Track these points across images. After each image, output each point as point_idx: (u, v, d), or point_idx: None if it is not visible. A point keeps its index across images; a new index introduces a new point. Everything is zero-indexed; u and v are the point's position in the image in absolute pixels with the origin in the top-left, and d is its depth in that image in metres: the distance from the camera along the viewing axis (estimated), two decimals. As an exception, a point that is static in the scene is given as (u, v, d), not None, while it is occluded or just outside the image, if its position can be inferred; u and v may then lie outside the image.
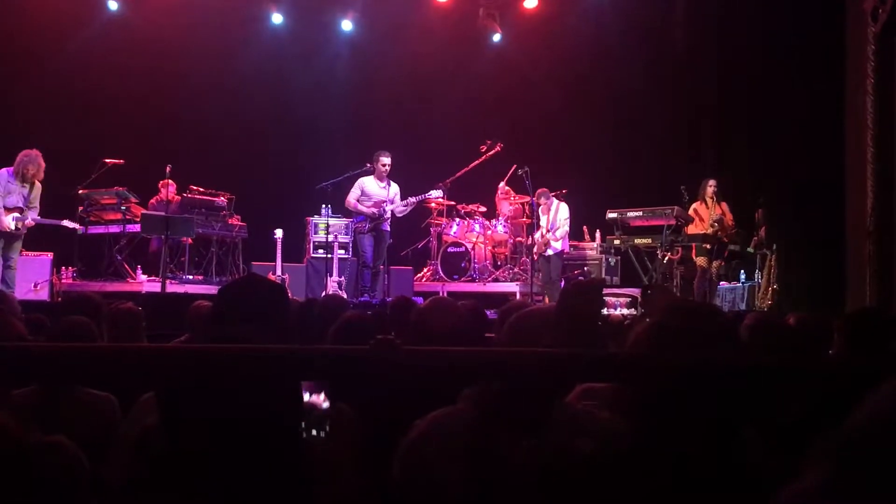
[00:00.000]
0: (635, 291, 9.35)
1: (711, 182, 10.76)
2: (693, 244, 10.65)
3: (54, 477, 1.93)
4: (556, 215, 11.27)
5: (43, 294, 10.32)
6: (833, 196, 10.79)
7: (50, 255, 10.65)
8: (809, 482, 1.08)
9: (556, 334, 2.28)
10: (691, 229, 10.65)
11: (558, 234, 11.25)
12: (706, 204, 10.71)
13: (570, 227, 11.55)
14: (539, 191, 11.22)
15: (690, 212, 10.70)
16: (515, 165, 11.21)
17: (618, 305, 8.61)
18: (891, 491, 1.01)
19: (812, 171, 11.27)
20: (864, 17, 9.64)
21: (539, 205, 11.26)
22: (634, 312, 7.79)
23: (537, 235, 11.33)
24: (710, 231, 10.55)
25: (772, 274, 11.13)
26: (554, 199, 11.37)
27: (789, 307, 9.66)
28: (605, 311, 8.00)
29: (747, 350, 3.10)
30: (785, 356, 2.96)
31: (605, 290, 9.17)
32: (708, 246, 10.53)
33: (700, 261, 10.63)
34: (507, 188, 12.37)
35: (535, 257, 11.33)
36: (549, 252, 11.23)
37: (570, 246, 12.18)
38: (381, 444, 2.07)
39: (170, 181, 11.14)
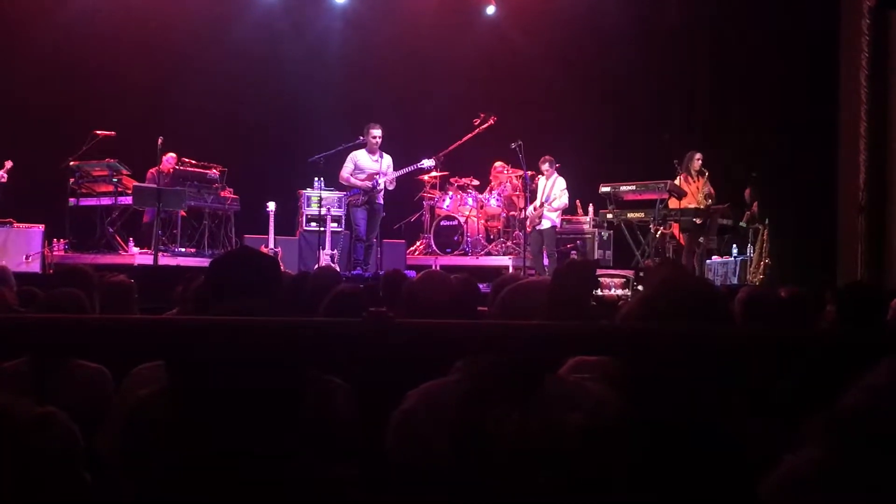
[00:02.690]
0: (630, 272, 9.38)
1: (698, 155, 10.72)
2: (675, 220, 10.60)
3: (47, 448, 1.93)
4: (553, 187, 11.25)
5: (34, 266, 10.29)
6: (826, 170, 10.80)
7: (41, 227, 10.62)
8: (806, 459, 1.08)
9: (550, 314, 2.29)
10: (682, 202, 10.61)
11: (556, 204, 11.22)
12: (692, 177, 10.68)
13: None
14: (546, 157, 11.23)
15: (682, 186, 10.68)
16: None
17: (612, 286, 8.64)
18: (888, 469, 1.01)
19: (805, 145, 11.26)
20: (860, -9, 9.61)
21: (541, 172, 11.25)
22: (629, 293, 7.81)
23: (530, 209, 11.32)
24: (704, 204, 10.53)
25: (764, 248, 11.15)
26: (555, 171, 11.35)
27: (781, 281, 9.69)
28: (599, 292, 8.05)
29: (740, 323, 3.12)
30: (776, 328, 2.97)
31: (600, 271, 9.17)
32: (699, 221, 10.51)
33: (685, 236, 10.61)
34: (501, 163, 12.33)
35: (528, 230, 11.32)
36: (543, 226, 11.22)
37: (564, 220, 12.18)
38: (374, 415, 2.07)
39: (172, 154, 11.16)
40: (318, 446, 1.95)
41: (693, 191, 10.60)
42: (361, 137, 10.64)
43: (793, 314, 3.69)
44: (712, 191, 10.75)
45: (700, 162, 10.69)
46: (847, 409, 1.08)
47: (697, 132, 12.37)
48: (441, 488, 1.93)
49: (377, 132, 10.54)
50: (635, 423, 1.73)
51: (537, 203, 11.25)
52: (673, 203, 10.53)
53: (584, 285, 2.36)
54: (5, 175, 9.91)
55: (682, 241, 10.67)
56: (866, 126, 9.68)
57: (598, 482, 1.70)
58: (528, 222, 11.33)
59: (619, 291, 8.18)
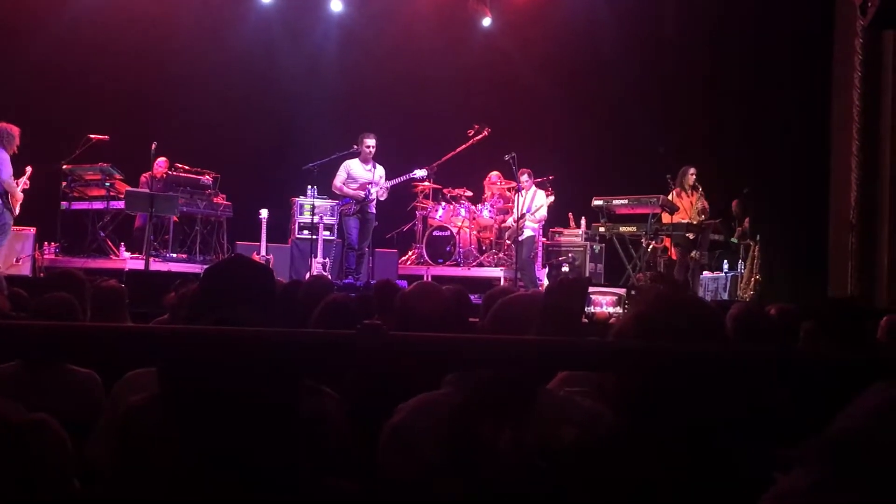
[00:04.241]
0: (622, 290, 9.38)
1: (692, 170, 10.76)
2: (667, 234, 10.64)
3: (37, 455, 1.92)
4: (532, 201, 11.30)
5: (25, 269, 10.27)
6: (818, 187, 10.86)
7: (33, 230, 10.59)
8: (800, 481, 1.08)
9: (541, 329, 2.29)
10: (676, 217, 10.65)
11: (538, 215, 11.27)
12: (686, 192, 10.72)
13: (550, 213, 11.61)
14: (525, 170, 11.26)
15: (675, 200, 10.71)
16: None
17: (604, 303, 8.64)
18: (881, 493, 1.02)
19: (798, 162, 11.33)
20: (853, 11, 9.67)
21: (521, 186, 11.28)
22: (620, 311, 7.80)
23: (510, 220, 11.37)
24: (696, 220, 10.56)
25: (755, 264, 11.19)
26: (534, 184, 11.39)
27: (771, 298, 9.72)
28: (591, 309, 8.05)
29: (731, 340, 3.13)
30: (768, 347, 2.98)
31: (591, 288, 9.17)
32: (692, 236, 10.54)
33: (677, 251, 10.64)
34: (497, 174, 12.36)
35: (509, 243, 11.36)
36: (524, 236, 11.26)
37: (555, 232, 12.18)
38: (367, 427, 2.08)
39: (164, 158, 11.17)
40: (309, 455, 1.95)
41: (686, 206, 10.64)
42: (355, 147, 10.66)
43: (782, 331, 3.69)
44: (706, 206, 10.78)
45: (694, 177, 10.73)
46: (840, 431, 1.08)
47: (691, 147, 12.41)
48: (431, 501, 1.93)
49: (371, 142, 10.56)
50: (626, 438, 1.74)
51: (516, 215, 11.26)
52: (666, 218, 10.56)
53: (576, 302, 2.37)
54: (27, 182, 9.98)
55: (673, 256, 10.70)
56: (858, 144, 9.74)
57: (590, 497, 1.70)
58: (506, 235, 11.38)
59: (611, 309, 8.18)
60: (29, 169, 10.03)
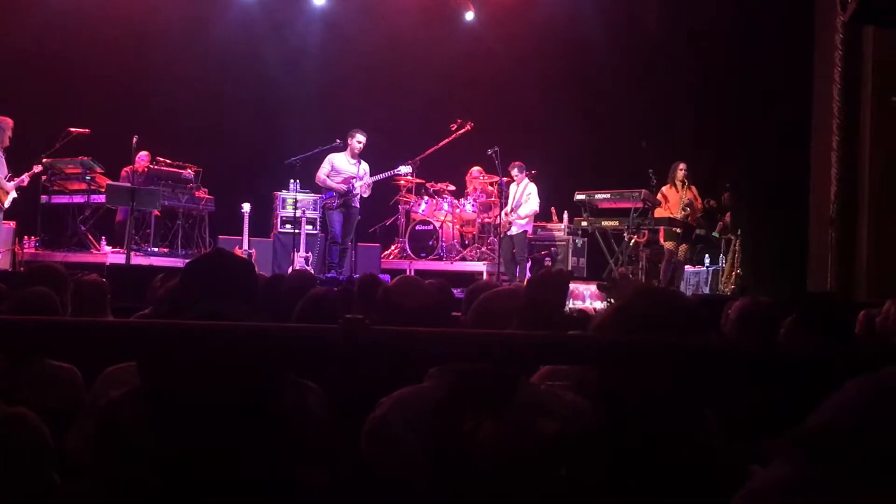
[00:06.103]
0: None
1: (682, 165, 10.79)
2: (661, 228, 10.71)
3: (16, 449, 1.92)
4: (523, 193, 11.29)
5: (4, 263, 10.19)
6: (798, 182, 10.92)
7: (12, 223, 10.52)
8: (775, 475, 1.09)
9: (522, 324, 2.30)
10: (659, 212, 10.70)
11: (521, 211, 11.26)
12: (676, 187, 10.76)
13: (540, 207, 11.60)
14: (516, 163, 11.26)
15: (658, 195, 10.75)
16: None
17: (586, 296, 8.69)
18: (856, 488, 1.03)
19: (778, 156, 11.38)
20: (833, 6, 9.72)
21: (510, 179, 11.28)
22: (602, 305, 7.84)
23: (501, 214, 11.38)
24: (680, 215, 10.61)
25: (736, 258, 11.25)
26: (525, 176, 11.39)
27: (751, 292, 9.78)
28: (572, 303, 8.08)
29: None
30: (748, 341, 3.00)
31: (573, 282, 9.20)
32: (678, 230, 10.59)
33: (668, 244, 10.69)
34: (479, 168, 12.36)
35: (500, 236, 11.37)
36: (512, 231, 11.26)
37: (538, 227, 12.20)
38: (349, 421, 2.08)
39: (146, 152, 11.11)
40: (290, 448, 1.95)
41: (675, 200, 10.70)
42: (339, 141, 10.65)
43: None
44: (693, 200, 10.81)
45: (683, 172, 10.76)
46: (818, 425, 1.09)
47: (673, 142, 12.45)
48: (414, 495, 1.94)
49: (362, 138, 10.56)
50: (607, 431, 1.75)
51: (507, 209, 11.28)
52: (659, 212, 10.64)
53: (557, 296, 2.38)
54: (27, 179, 9.95)
55: (665, 250, 10.74)
56: (838, 140, 9.80)
57: (570, 490, 1.71)
58: (499, 228, 11.38)
59: (596, 304, 8.23)
60: (37, 167, 10.03)
